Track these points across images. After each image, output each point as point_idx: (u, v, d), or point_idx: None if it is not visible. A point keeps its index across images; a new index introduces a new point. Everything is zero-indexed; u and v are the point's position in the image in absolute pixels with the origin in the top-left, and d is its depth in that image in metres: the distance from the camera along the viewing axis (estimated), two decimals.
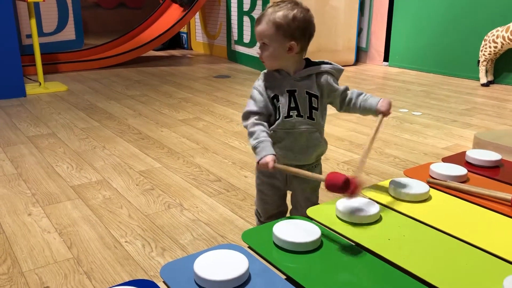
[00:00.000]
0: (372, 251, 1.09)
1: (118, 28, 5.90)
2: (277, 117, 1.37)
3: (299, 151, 1.41)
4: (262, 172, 1.47)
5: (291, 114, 1.36)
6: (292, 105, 1.36)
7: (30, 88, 4.15)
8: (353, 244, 1.13)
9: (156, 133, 3.00)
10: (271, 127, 1.37)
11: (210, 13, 6.42)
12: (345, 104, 1.44)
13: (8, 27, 3.84)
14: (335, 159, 2.57)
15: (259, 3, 5.29)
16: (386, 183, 1.40)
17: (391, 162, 2.53)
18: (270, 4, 1.39)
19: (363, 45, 6.07)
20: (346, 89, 1.44)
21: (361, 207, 1.22)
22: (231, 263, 1.00)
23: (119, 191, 2.14)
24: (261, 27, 1.33)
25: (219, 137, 2.96)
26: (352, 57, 5.90)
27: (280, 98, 1.36)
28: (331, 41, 5.65)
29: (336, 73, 1.43)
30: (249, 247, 1.19)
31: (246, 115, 1.37)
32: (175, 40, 6.99)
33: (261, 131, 1.32)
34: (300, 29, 1.34)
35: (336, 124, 3.24)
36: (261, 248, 1.13)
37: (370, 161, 2.53)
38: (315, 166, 1.50)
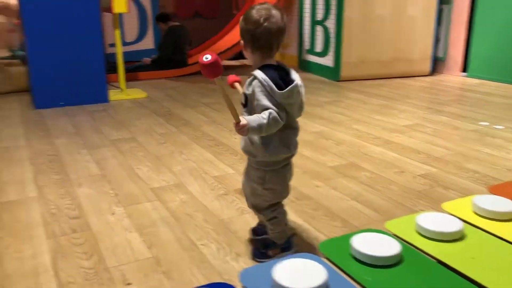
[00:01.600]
0: (455, 270, 1.05)
1: (194, 37, 6.11)
2: None
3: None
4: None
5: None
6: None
7: (113, 94, 4.41)
8: (435, 261, 1.10)
9: (230, 140, 3.08)
10: None
11: None
12: None
13: (95, 37, 4.12)
14: (411, 172, 2.50)
15: (332, 12, 5.27)
16: (468, 199, 1.35)
17: (471, 178, 2.42)
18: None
19: (440, 54, 5.85)
20: (264, 110, 1.41)
21: (443, 223, 1.19)
22: (309, 273, 1.01)
23: (195, 195, 2.22)
24: None
25: None
26: (428, 67, 5.71)
27: None
28: (407, 50, 5.50)
29: (266, 87, 1.41)
30: (326, 258, 1.19)
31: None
32: None
33: None
34: (246, 31, 1.44)
35: (412, 136, 3.15)
36: (338, 259, 1.13)
37: (449, 175, 2.44)
38: (251, 169, 1.57)
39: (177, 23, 5.82)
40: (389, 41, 5.41)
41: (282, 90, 1.41)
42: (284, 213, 1.64)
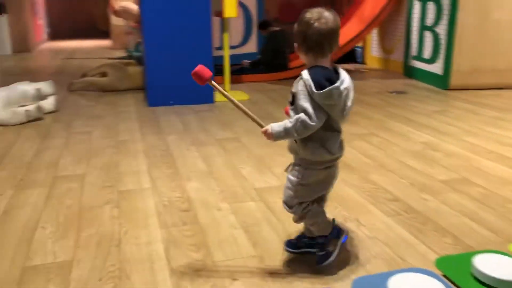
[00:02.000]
0: None
1: None
2: None
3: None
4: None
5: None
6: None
7: (218, 96, 4.59)
8: None
9: None
10: None
11: (388, 27, 6.30)
12: None
13: (206, 41, 4.32)
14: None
15: (444, 17, 5.01)
16: None
17: None
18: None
19: None
20: (302, 110, 1.45)
21: None
22: None
23: None
24: None
25: (395, 155, 2.88)
26: None
27: None
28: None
29: (307, 87, 1.44)
30: (443, 275, 1.14)
31: None
32: (349, 54, 7.01)
33: None
34: (298, 32, 1.50)
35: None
36: (458, 278, 1.08)
37: None
38: (294, 165, 1.59)
39: (277, 28, 5.91)
40: (506, 49, 5.00)
41: (322, 90, 1.41)
42: (317, 207, 1.62)
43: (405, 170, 2.63)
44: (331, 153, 1.53)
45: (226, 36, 4.44)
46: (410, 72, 5.79)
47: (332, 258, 1.62)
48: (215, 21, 6.10)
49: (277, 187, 2.38)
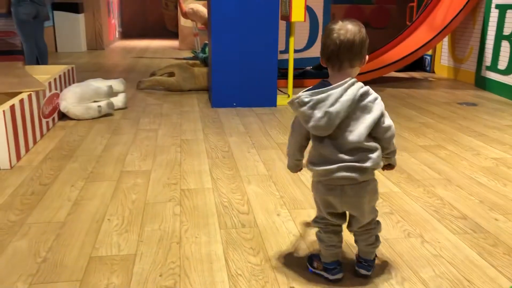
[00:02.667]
0: None
1: None
2: None
3: None
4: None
5: None
6: None
7: (280, 99, 4.59)
8: None
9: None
10: None
11: (461, 35, 6.03)
12: None
13: (272, 45, 4.34)
14: None
15: None
16: None
17: None
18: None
19: None
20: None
21: None
22: None
23: None
24: None
25: (464, 170, 2.74)
26: None
27: None
28: None
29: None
30: None
31: None
32: (417, 62, 6.77)
33: None
34: (323, 44, 1.47)
35: None
36: None
37: None
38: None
39: None
40: None
41: (303, 107, 1.45)
42: (327, 233, 1.57)
43: (474, 186, 2.50)
44: (315, 165, 1.50)
45: (291, 40, 4.44)
46: (482, 83, 5.50)
47: (312, 270, 1.65)
48: (281, 24, 6.11)
49: None
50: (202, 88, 5.17)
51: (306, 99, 1.45)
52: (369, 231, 1.59)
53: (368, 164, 1.45)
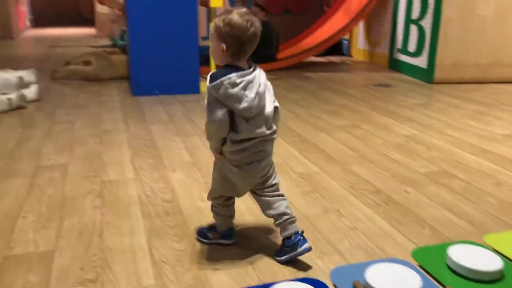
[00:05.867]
0: None
1: (283, 33, 6.15)
2: None
3: None
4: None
5: None
6: None
7: (203, 86, 4.58)
8: None
9: (315, 137, 3.08)
10: None
11: (375, 20, 6.33)
12: None
13: (191, 31, 4.30)
14: (509, 184, 2.34)
15: (430, 11, 5.05)
16: None
17: None
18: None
19: None
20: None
21: None
22: (403, 279, 1.00)
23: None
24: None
25: (378, 147, 2.92)
26: None
27: None
28: (509, 54, 5.13)
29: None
30: (419, 265, 1.17)
31: None
32: (335, 46, 7.03)
33: None
34: (231, 35, 1.47)
35: (511, 146, 2.95)
36: (433, 269, 1.10)
37: None
38: None
39: (265, 19, 5.89)
40: (490, 44, 5.07)
41: (235, 87, 1.50)
42: (225, 208, 1.74)
43: (387, 162, 2.66)
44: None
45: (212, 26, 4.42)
46: (395, 65, 5.83)
47: (206, 242, 1.75)
48: (201, 10, 6.05)
49: None
50: (122, 76, 5.00)
51: (238, 80, 1.47)
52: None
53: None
